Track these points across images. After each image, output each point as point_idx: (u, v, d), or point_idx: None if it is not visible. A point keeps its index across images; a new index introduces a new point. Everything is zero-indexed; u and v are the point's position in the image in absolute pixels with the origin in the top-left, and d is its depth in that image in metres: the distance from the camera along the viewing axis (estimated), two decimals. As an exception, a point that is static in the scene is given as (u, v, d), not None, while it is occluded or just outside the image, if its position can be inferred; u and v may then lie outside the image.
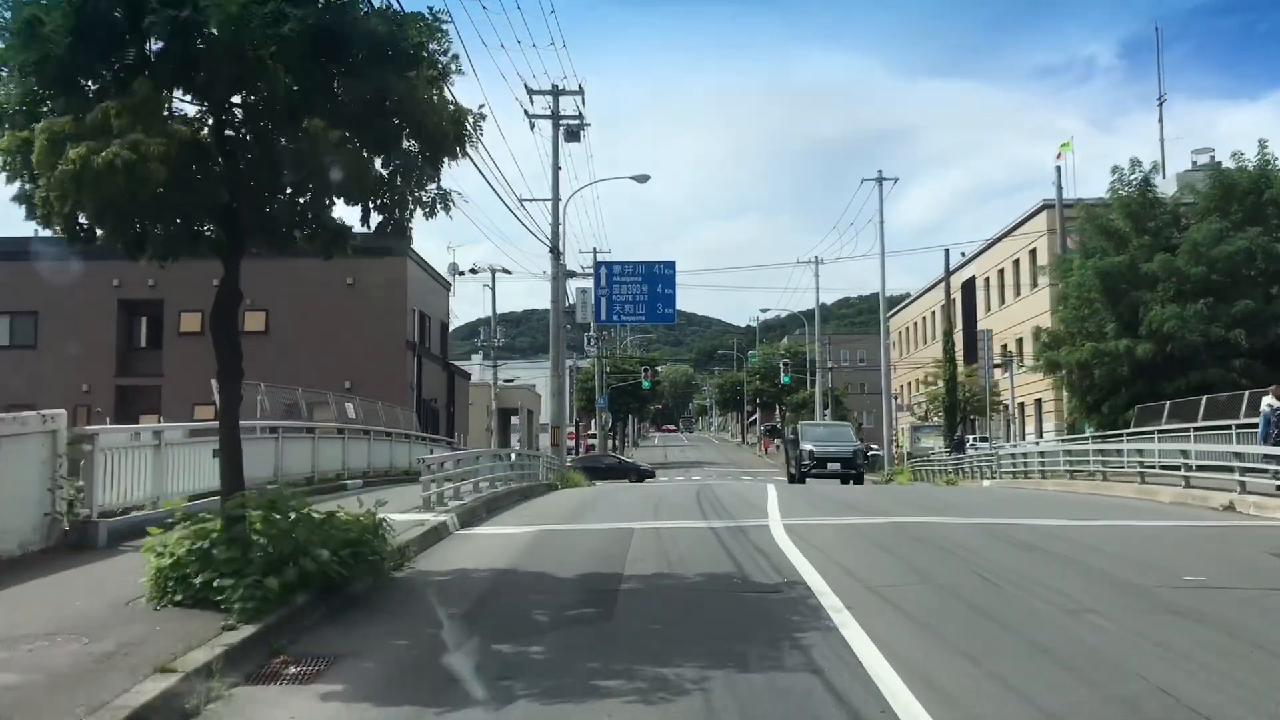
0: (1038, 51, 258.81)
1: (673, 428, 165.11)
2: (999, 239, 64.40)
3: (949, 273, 49.38)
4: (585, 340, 63.66)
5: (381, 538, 9.55)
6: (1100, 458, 23.67)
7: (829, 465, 36.16)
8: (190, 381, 31.58)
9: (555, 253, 33.02)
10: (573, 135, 33.50)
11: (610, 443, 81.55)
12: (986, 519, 14.52)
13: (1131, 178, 30.44)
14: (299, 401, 21.98)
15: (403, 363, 34.64)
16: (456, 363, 77.26)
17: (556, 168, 33.24)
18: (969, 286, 71.90)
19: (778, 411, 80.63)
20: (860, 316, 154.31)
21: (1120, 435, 26.54)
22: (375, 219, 8.59)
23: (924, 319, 79.32)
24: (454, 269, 40.71)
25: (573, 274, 34.88)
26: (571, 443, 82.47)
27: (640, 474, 48.69)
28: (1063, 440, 33.00)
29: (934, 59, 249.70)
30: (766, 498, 19.11)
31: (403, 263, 34.82)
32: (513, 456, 23.49)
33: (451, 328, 53.53)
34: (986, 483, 28.57)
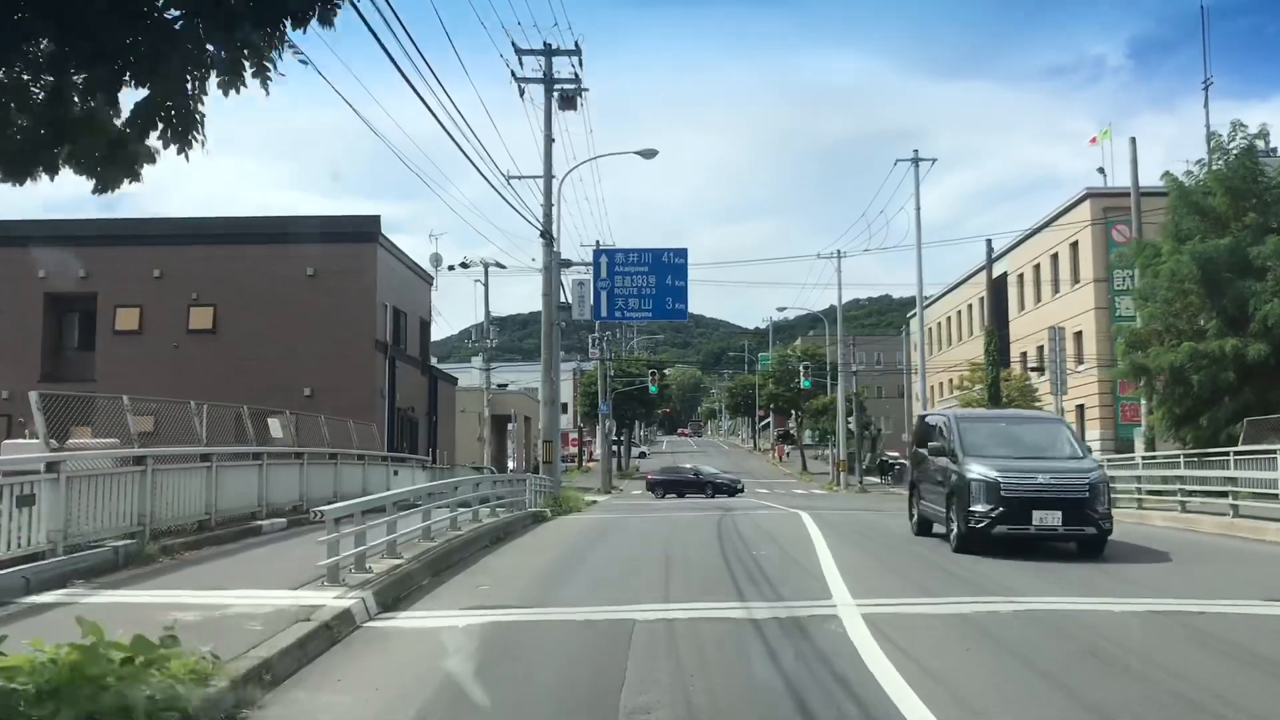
0: (1047, 51, 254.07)
1: (687, 431, 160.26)
2: (1034, 232, 59.65)
3: (991, 261, 44.65)
4: (590, 342, 59.06)
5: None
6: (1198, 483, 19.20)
7: (1039, 517, 13.54)
8: (129, 387, 26.96)
9: (547, 237, 28.38)
10: (568, 101, 28.89)
11: (618, 451, 76.86)
12: (1162, 601, 9.69)
13: (1231, 146, 25.60)
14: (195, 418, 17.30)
15: (371, 366, 30.00)
16: (451, 367, 72.71)
17: (549, 138, 28.64)
18: (999, 284, 67.04)
19: (793, 417, 75.89)
20: (870, 318, 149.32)
21: (1223, 453, 21.88)
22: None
23: (951, 318, 74.42)
24: (437, 261, 36.18)
25: (569, 263, 30.23)
26: (574, 449, 77.85)
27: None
28: (1144, 458, 28.09)
29: (943, 60, 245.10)
30: (815, 548, 14.31)
31: (372, 250, 30.19)
32: (484, 488, 18.74)
33: (452, 331, 49.15)
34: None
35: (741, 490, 37.06)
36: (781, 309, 61.76)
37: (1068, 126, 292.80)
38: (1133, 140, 31.87)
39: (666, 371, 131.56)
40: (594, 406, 67.10)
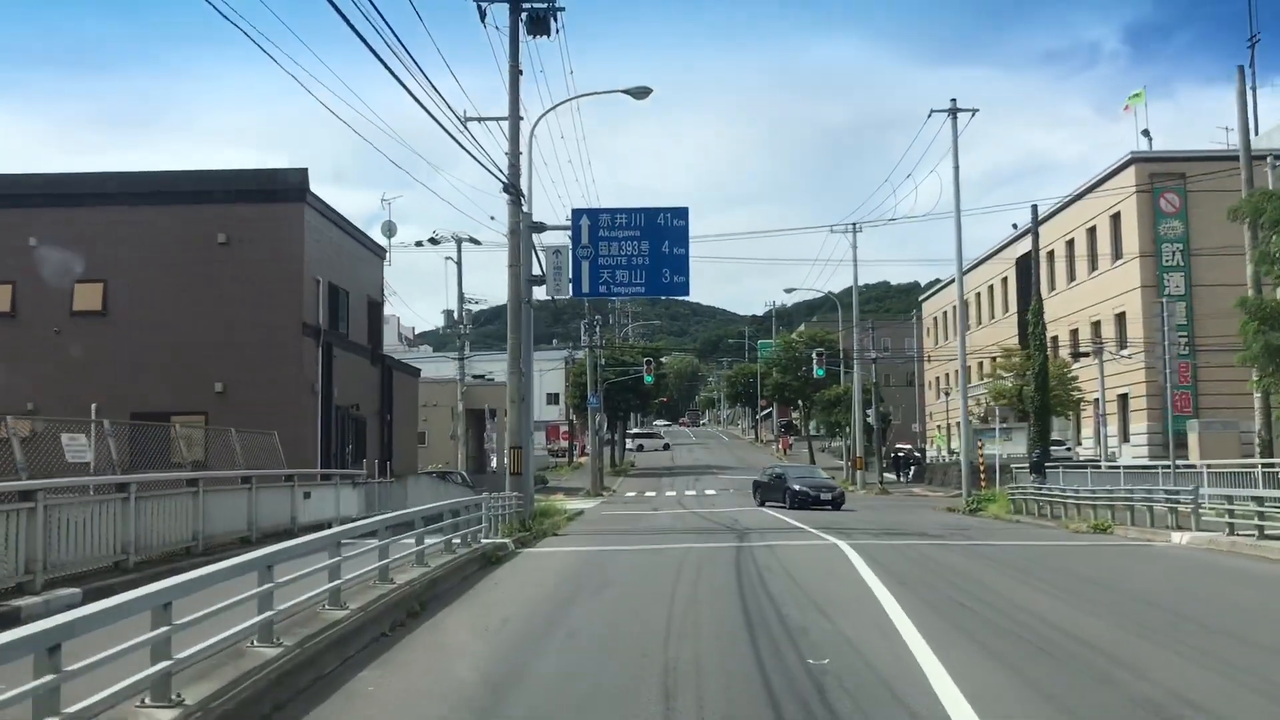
0: (1043, 36, 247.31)
1: (686, 422, 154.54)
2: (1070, 202, 53.92)
3: (1036, 224, 38.95)
4: (581, 330, 53.45)
5: None
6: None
7: None
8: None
9: (513, 192, 22.63)
10: (539, 25, 23.13)
11: (612, 446, 71.12)
12: None
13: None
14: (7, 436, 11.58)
15: (298, 354, 24.27)
16: (433, 359, 66.89)
17: (515, 69, 22.84)
18: (1026, 262, 61.34)
19: (800, 408, 70.20)
20: (868, 305, 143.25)
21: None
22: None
23: (969, 300, 68.71)
24: (390, 230, 30.23)
25: (541, 227, 24.43)
26: (564, 443, 72.18)
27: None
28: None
29: (939, 45, 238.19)
30: (898, 632, 8.62)
31: (298, 212, 24.43)
32: (429, 521, 13.06)
33: (441, 323, 43.33)
34: (1183, 537, 18.08)
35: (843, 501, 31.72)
36: (789, 290, 55.96)
37: (1065, 112, 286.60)
38: (1240, 70, 26.03)
39: (663, 360, 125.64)
40: (585, 398, 61.50)
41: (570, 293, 24.00)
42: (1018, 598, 11.05)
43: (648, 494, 48.13)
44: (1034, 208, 39.02)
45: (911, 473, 53.84)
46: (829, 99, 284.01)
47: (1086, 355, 46.12)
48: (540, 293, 24.43)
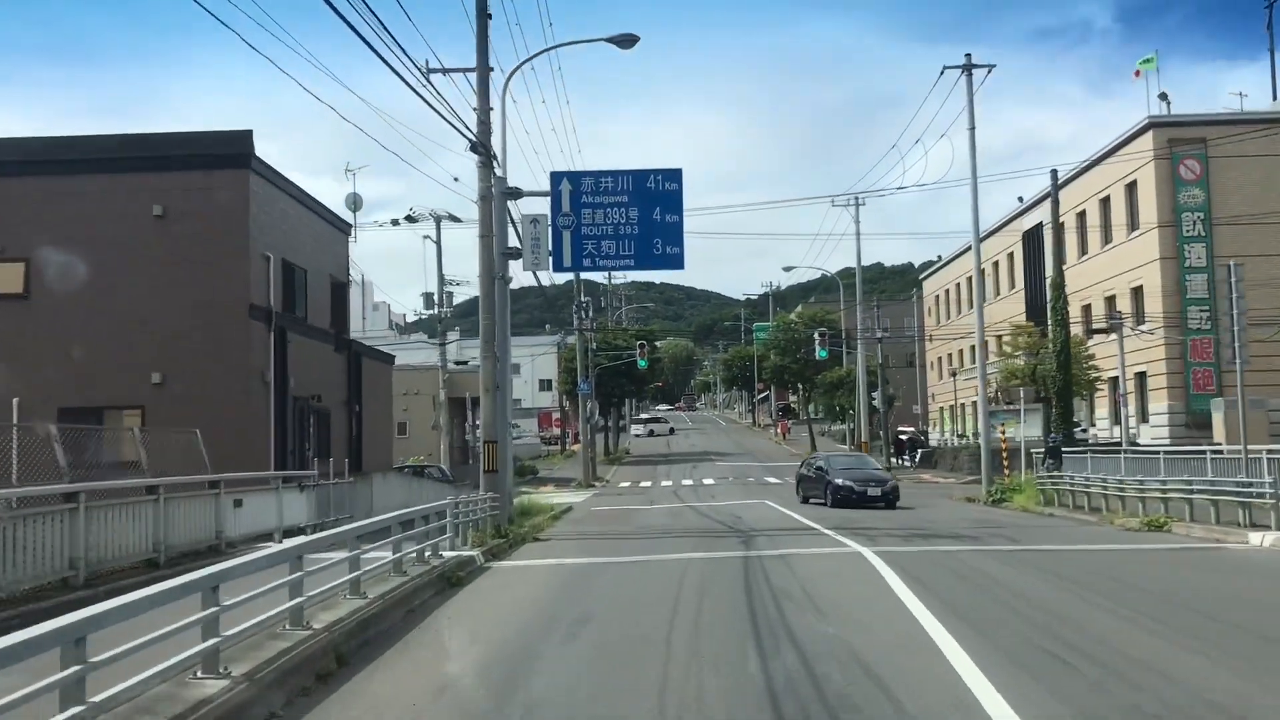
0: (1035, 14, 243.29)
1: (681, 406, 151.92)
2: (1078, 173, 51.28)
3: (1056, 188, 36.32)
4: (574, 313, 50.79)
5: None
6: None
7: None
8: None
9: (483, 152, 19.88)
10: (510, -37, 20.31)
11: (606, 433, 68.51)
12: None
13: None
14: None
15: (245, 339, 21.55)
16: (412, 347, 64.13)
17: (484, 13, 20.07)
18: (1034, 236, 58.73)
19: (800, 391, 67.59)
20: (864, 287, 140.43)
21: None
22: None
23: (974, 277, 66.03)
24: (355, 203, 27.40)
25: (517, 193, 21.67)
26: (557, 431, 69.57)
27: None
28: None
29: (931, 23, 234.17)
30: (973, 694, 6.10)
31: (243, 179, 21.64)
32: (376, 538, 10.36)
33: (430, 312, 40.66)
34: (1263, 538, 15.43)
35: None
36: (788, 268, 53.03)
37: (1054, 89, 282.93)
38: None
39: (658, 344, 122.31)
40: (577, 384, 58.83)
41: (550, 267, 21.34)
42: (1121, 640, 8.44)
43: (643, 484, 45.56)
44: (1053, 172, 36.38)
45: (918, 456, 51.30)
46: (821, 79, 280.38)
47: (1103, 332, 43.55)
48: (517, 268, 21.77)
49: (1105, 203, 49.38)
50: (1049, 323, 37.37)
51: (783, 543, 17.33)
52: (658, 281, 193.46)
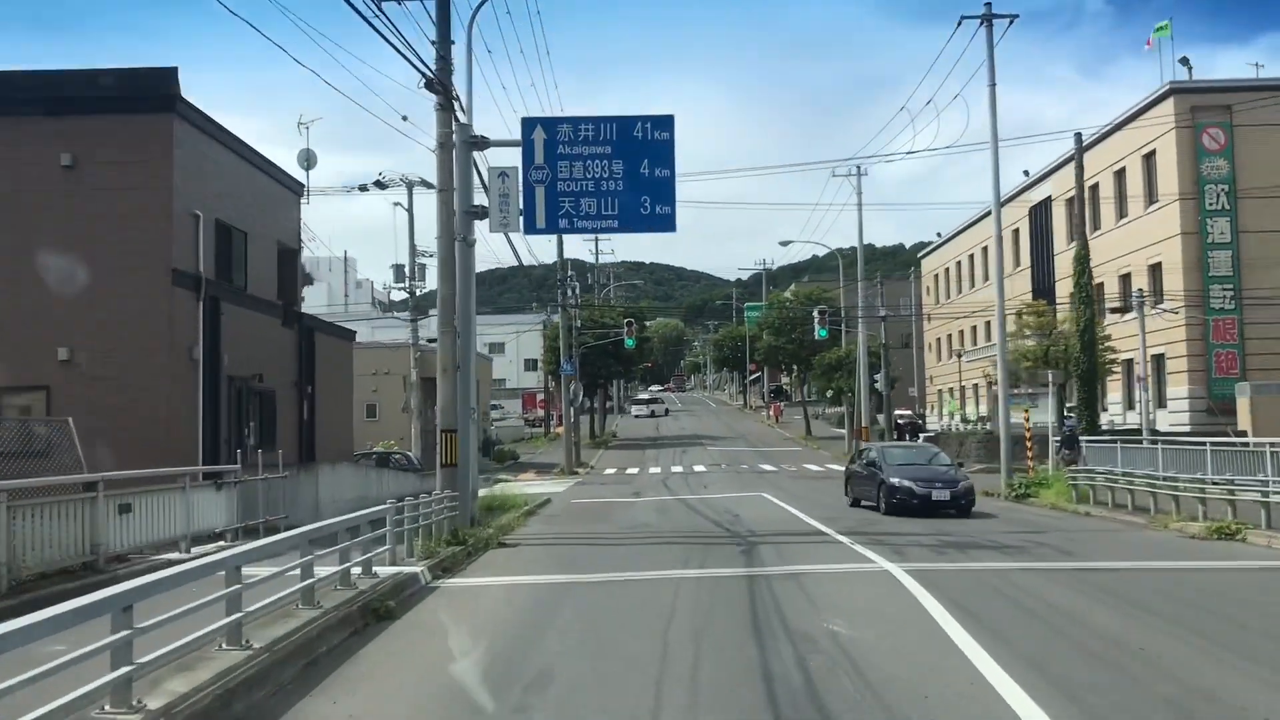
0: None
1: (671, 387, 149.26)
2: (1091, 144, 48.43)
3: (1081, 151, 33.56)
4: (558, 287, 47.98)
5: None
6: None
7: None
8: None
9: (440, 91, 16.93)
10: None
11: (592, 415, 65.75)
12: None
13: None
14: None
15: (168, 309, 18.59)
16: (397, 325, 61.13)
17: (443, -73, 17.09)
18: (1041, 211, 55.95)
19: (794, 373, 64.88)
20: (851, 269, 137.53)
21: None
22: None
23: (975, 255, 63.33)
24: (308, 160, 24.27)
25: (484, 142, 18.68)
26: (540, 412, 66.78)
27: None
28: None
29: (927, 5, 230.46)
30: None
31: (165, 125, 18.61)
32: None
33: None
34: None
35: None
36: (785, 243, 49.97)
37: (1047, 72, 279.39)
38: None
39: (646, 323, 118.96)
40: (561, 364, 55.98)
41: (521, 228, 18.39)
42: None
43: (629, 471, 42.82)
44: (1078, 135, 33.57)
45: (919, 441, 48.58)
46: (816, 59, 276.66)
47: (1121, 311, 40.90)
48: (489, 234, 18.85)
49: (1120, 175, 46.64)
50: (1075, 300, 34.54)
51: (792, 555, 14.56)
52: (647, 262, 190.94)
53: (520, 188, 18.19)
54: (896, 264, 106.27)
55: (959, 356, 50.27)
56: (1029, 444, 27.57)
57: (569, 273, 42.50)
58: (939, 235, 73.22)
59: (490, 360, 54.33)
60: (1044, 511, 22.25)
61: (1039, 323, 41.98)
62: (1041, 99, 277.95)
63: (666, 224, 18.51)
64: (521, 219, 18.37)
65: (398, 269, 37.99)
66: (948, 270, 68.74)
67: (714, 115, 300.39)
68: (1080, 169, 33.62)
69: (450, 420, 17.47)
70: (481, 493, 32.66)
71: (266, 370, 22.43)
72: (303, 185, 25.24)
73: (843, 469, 42.84)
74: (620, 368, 61.14)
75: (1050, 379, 30.43)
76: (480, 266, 25.96)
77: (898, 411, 55.58)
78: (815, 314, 40.45)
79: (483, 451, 45.55)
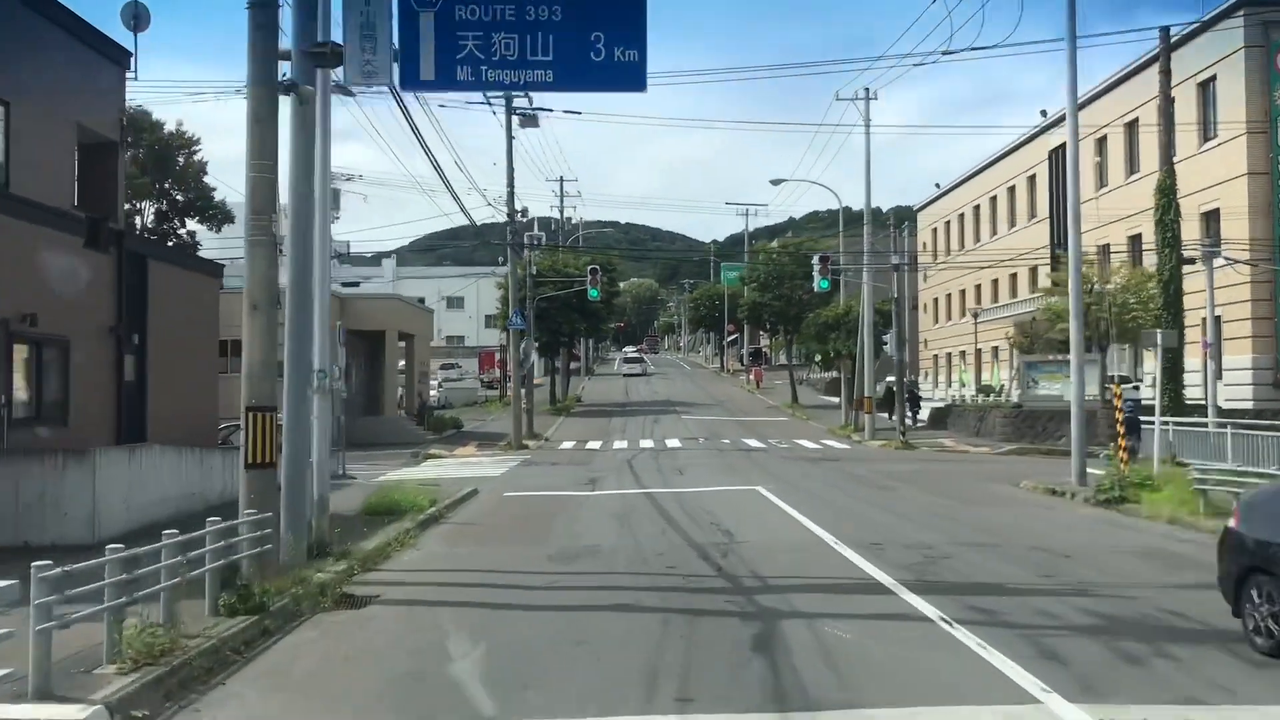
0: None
1: (645, 349, 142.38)
2: (1133, 73, 41.68)
3: (1169, 46, 26.75)
4: (506, 223, 40.80)
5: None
6: None
7: None
8: None
9: None
10: None
11: (553, 377, 58.74)
12: None
13: None
14: None
15: None
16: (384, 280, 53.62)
17: None
18: (1061, 154, 49.19)
19: (780, 333, 58.10)
20: (831, 230, 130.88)
21: None
22: None
23: (981, 205, 56.54)
24: (134, 17, 16.98)
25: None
26: (497, 373, 59.88)
27: None
28: None
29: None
30: None
31: None
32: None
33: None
34: None
35: None
36: (777, 181, 43.31)
37: (1023, 35, 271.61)
38: None
39: (619, 280, 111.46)
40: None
41: (396, 78, 11.34)
42: None
43: (589, 445, 36.01)
44: (1164, 30, 26.69)
45: (919, 413, 42.07)
46: (785, 21, 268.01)
47: (1186, 263, 34.39)
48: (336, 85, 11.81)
49: (1169, 105, 39.94)
50: (1159, 239, 27.83)
51: (847, 655, 7.78)
52: (622, 221, 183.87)
53: (395, 13, 11.12)
54: (875, 228, 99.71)
55: (974, 317, 43.65)
56: (1120, 430, 20.89)
57: (520, 209, 35.33)
58: (937, 186, 66.39)
59: (431, 314, 47.24)
60: (1173, 531, 15.47)
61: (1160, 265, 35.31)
62: (1017, 62, 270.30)
63: (631, 78, 11.44)
64: (397, 67, 11.30)
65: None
66: (948, 224, 61.98)
67: (684, 73, 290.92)
68: (1166, 75, 26.83)
69: (262, 391, 10.45)
70: (391, 477, 25.69)
71: (47, 310, 15.29)
72: (128, 52, 17.89)
73: (841, 445, 36.49)
74: (585, 324, 54.00)
75: (1137, 337, 23.72)
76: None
77: (890, 379, 48.82)
78: (815, 261, 33.57)
79: (417, 419, 38.58)
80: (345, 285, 43.93)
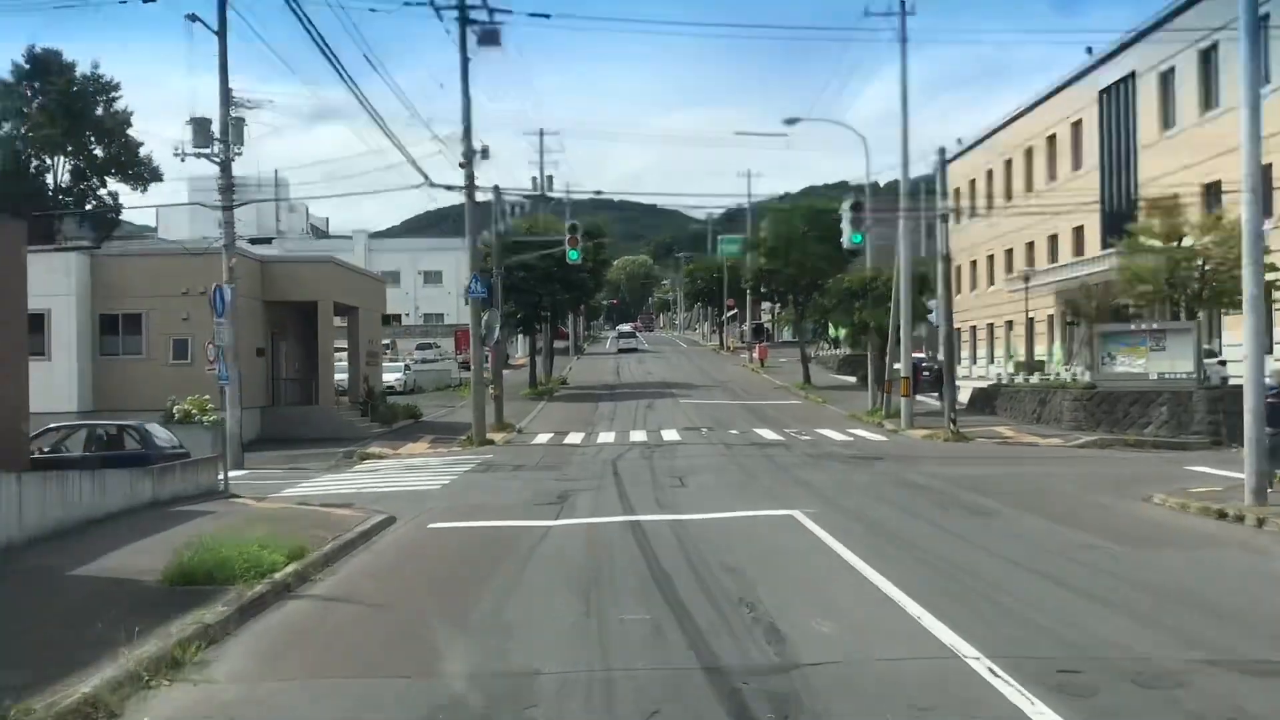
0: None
1: (639, 326, 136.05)
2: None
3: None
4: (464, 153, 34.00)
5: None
6: None
7: None
8: None
9: None
10: None
11: (533, 358, 52.08)
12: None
13: None
14: None
15: None
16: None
17: None
18: (1118, 94, 42.54)
19: (790, 304, 51.47)
20: (810, 214, 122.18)
21: None
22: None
23: (1013, 160, 49.65)
24: None
25: None
26: (459, 356, 53.53)
27: None
28: None
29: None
30: None
31: None
32: None
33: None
34: None
35: None
36: (791, 120, 36.69)
37: (1020, 7, 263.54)
38: None
39: (615, 262, 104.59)
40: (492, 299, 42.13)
41: None
42: None
43: (569, 440, 29.60)
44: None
45: (967, 397, 35.67)
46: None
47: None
48: None
49: (1261, 25, 33.30)
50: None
51: None
52: (616, 199, 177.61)
53: None
54: (880, 202, 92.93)
55: (1025, 280, 37.07)
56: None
57: (479, 148, 28.56)
58: (959, 141, 59.46)
59: (382, 283, 40.57)
60: None
61: (1168, 229, 28.86)
62: (1011, 37, 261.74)
63: None
64: None
65: (198, 123, 24.09)
66: (992, 172, 54.62)
67: (682, 46, 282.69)
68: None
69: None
70: (295, 492, 19.21)
71: None
72: None
73: (876, 438, 29.85)
74: (569, 295, 47.33)
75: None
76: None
77: (917, 355, 42.09)
78: (845, 211, 26.90)
79: (362, 408, 32.06)
80: (254, 242, 37.12)
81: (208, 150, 24.23)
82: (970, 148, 56.57)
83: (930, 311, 29.30)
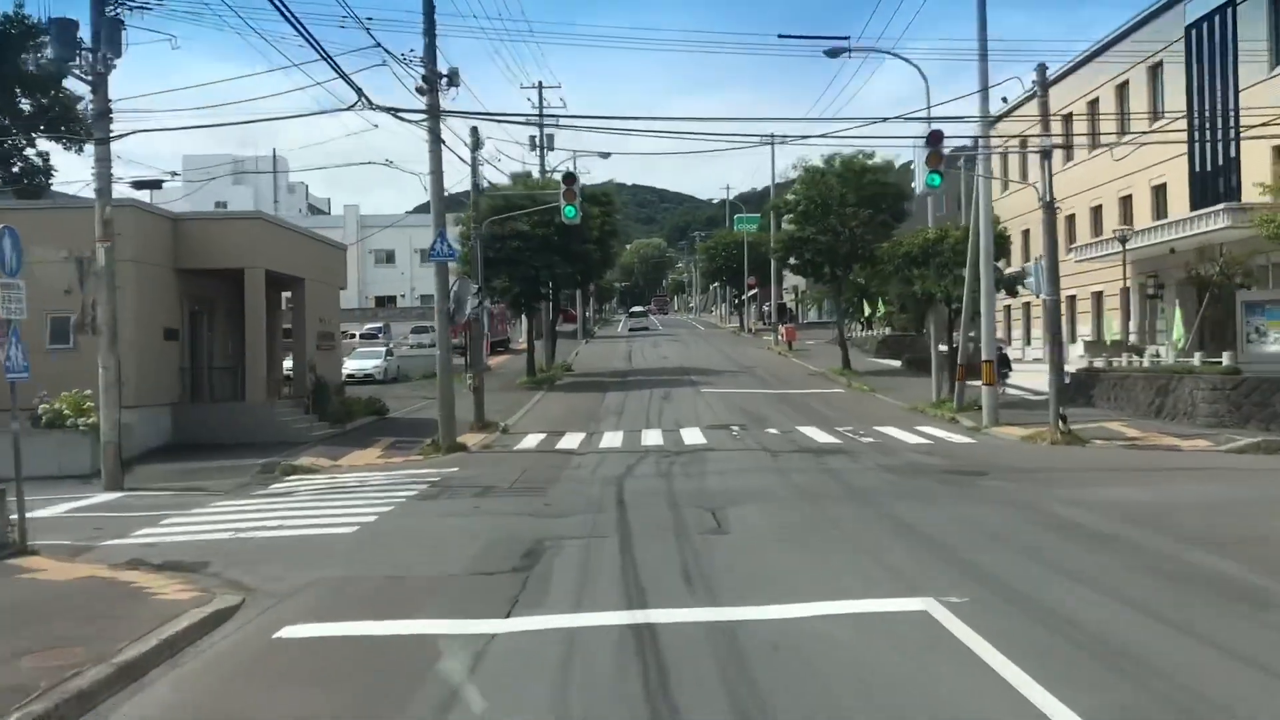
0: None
1: (654, 309, 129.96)
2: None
3: None
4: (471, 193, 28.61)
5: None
6: None
7: None
8: None
9: None
10: None
11: (531, 343, 45.65)
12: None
13: None
14: None
15: None
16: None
17: None
18: (1210, 29, 35.80)
19: (828, 276, 44.87)
20: (803, 202, 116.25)
21: None
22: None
23: (1080, 108, 42.71)
24: None
25: None
26: (455, 340, 47.36)
27: None
28: None
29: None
30: None
31: None
32: None
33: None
34: None
35: None
36: (833, 52, 30.61)
37: None
38: None
39: (632, 243, 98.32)
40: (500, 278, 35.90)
41: None
42: None
43: (563, 443, 23.33)
44: None
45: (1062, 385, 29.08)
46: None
47: None
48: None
49: None
50: None
51: None
52: (629, 184, 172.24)
53: None
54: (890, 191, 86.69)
55: (1122, 242, 30.50)
56: None
57: (446, 71, 21.95)
58: (1005, 100, 52.72)
59: (341, 250, 34.16)
60: None
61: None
62: (1030, 15, 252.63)
63: None
64: None
65: (61, 26, 17.88)
66: (1075, 113, 47.14)
67: (695, 29, 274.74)
68: None
69: None
70: (130, 540, 12.66)
71: None
72: None
73: (962, 439, 22.65)
74: (572, 269, 40.91)
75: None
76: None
77: (974, 335, 35.22)
78: (928, 139, 20.31)
79: (308, 404, 25.90)
80: (139, 186, 30.65)
81: (73, 64, 18.03)
82: (1020, 103, 49.69)
83: (1020, 279, 22.78)
